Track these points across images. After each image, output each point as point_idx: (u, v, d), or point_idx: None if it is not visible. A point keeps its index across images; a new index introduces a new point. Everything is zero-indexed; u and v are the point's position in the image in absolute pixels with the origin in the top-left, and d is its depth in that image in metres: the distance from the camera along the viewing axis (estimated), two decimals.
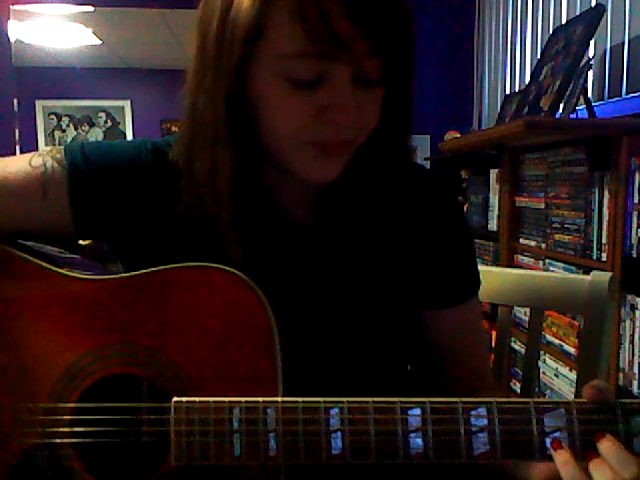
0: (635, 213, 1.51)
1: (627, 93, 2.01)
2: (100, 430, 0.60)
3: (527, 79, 2.25)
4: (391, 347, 0.76)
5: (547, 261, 1.96)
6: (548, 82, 1.83)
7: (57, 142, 6.32)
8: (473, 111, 3.49)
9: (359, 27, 0.55)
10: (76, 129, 6.37)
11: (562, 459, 0.53)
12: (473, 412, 0.55)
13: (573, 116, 1.83)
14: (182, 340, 0.61)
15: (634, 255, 1.53)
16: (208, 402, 0.56)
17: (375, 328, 0.73)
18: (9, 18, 3.39)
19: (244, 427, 0.56)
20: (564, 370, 1.83)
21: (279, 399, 0.56)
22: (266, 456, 0.55)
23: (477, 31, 3.45)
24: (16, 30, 3.79)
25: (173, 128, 6.07)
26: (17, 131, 3.51)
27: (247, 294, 0.60)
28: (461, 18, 3.49)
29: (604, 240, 1.64)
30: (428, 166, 3.35)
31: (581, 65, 1.75)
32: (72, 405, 0.61)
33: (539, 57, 2.06)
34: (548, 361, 1.92)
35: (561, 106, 1.76)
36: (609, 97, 2.11)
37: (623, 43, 2.02)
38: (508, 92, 2.96)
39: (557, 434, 0.54)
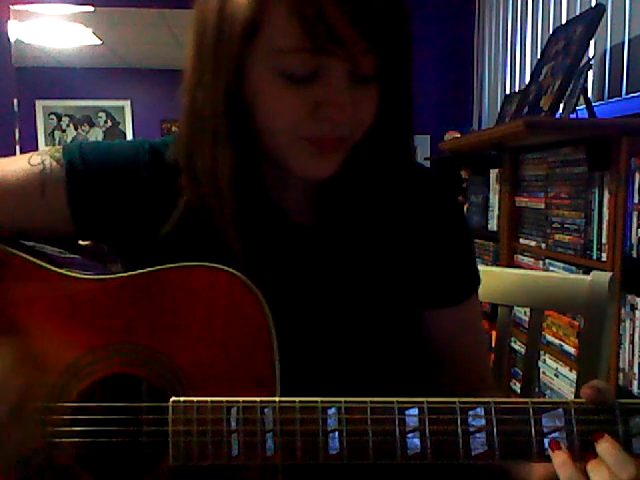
0: (635, 213, 1.51)
1: (627, 93, 2.01)
2: (98, 430, 0.60)
3: (527, 79, 2.25)
4: (390, 347, 0.76)
5: (547, 261, 1.95)
6: (548, 82, 1.83)
7: (57, 142, 6.32)
8: (473, 111, 3.49)
9: (355, 23, 0.55)
10: (76, 129, 6.37)
11: (560, 460, 0.53)
12: (471, 412, 0.54)
13: (573, 116, 1.82)
14: (181, 340, 0.61)
15: (634, 255, 1.53)
16: (206, 402, 0.56)
17: (374, 328, 0.73)
18: (9, 18, 3.40)
19: (242, 427, 0.55)
20: (564, 370, 1.83)
21: (277, 399, 0.56)
22: (264, 456, 0.55)
23: (477, 31, 3.45)
24: (16, 30, 3.78)
25: (173, 128, 6.06)
26: (17, 131, 3.52)
27: (245, 294, 0.60)
28: (461, 18, 3.49)
29: (604, 240, 1.63)
30: (428, 166, 3.35)
31: (581, 65, 1.75)
32: (72, 405, 0.61)
33: (539, 57, 2.05)
34: (548, 361, 1.92)
35: (561, 106, 1.75)
36: (609, 97, 2.11)
37: (623, 43, 2.02)
38: (508, 92, 2.96)
39: (555, 434, 0.54)
